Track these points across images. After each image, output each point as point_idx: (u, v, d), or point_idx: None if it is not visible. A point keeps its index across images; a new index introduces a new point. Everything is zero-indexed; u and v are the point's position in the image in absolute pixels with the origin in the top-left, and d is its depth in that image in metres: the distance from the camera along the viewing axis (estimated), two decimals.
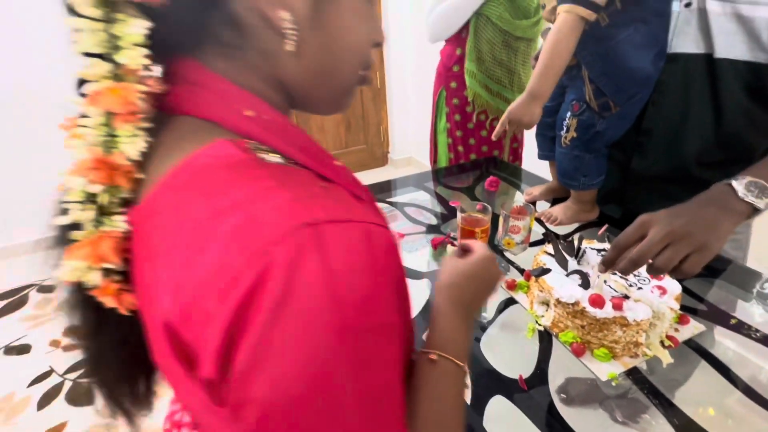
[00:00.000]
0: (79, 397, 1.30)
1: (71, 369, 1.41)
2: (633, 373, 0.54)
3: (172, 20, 0.25)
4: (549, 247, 0.69)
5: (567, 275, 0.62)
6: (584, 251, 0.65)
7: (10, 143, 1.94)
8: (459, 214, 0.75)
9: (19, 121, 1.92)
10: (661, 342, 0.58)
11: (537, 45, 1.25)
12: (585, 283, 0.59)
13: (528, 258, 0.76)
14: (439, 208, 1.01)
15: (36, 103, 1.88)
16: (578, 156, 0.82)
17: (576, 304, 0.57)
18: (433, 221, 0.95)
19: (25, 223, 2.09)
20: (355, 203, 0.27)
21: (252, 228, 0.21)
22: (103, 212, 0.26)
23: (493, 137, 0.82)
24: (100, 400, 0.33)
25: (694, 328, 0.60)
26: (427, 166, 1.54)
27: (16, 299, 1.79)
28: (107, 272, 0.27)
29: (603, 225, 0.68)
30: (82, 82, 0.26)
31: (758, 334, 0.59)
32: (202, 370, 0.22)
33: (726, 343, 0.59)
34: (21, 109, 1.91)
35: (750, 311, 0.65)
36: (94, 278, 0.26)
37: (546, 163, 1.00)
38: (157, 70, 0.29)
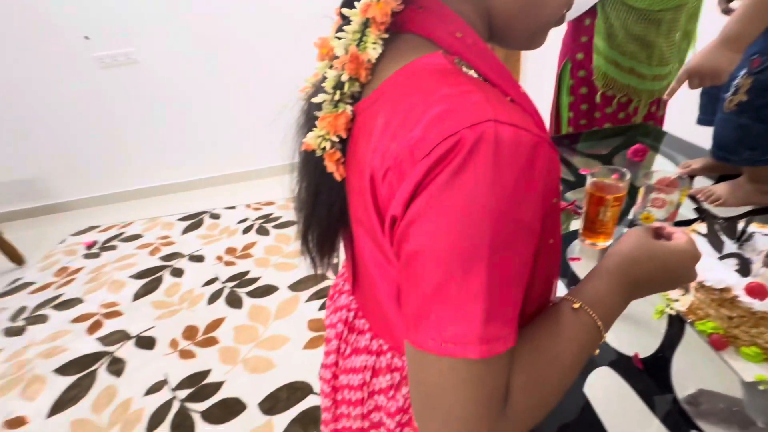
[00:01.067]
0: (233, 302, 1.66)
1: (231, 279, 1.80)
2: None
3: None
4: (701, 227, 0.59)
5: (720, 258, 0.53)
6: (750, 234, 0.54)
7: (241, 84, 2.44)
8: (589, 179, 0.69)
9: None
10: None
11: (686, 13, 1.00)
12: (744, 269, 0.50)
13: None
14: (566, 176, 0.94)
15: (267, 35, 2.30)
16: (745, 125, 0.67)
17: (726, 290, 0.49)
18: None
19: (198, 162, 2.65)
20: (532, 122, 0.29)
21: (451, 115, 0.27)
22: (341, 99, 0.35)
23: (665, 96, 0.71)
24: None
25: None
26: None
27: (194, 221, 2.31)
28: (333, 144, 0.35)
29: None
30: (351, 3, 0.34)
31: None
32: (391, 209, 0.29)
33: None
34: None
35: None
36: (327, 145, 0.35)
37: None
38: None
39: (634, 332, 0.55)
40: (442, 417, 0.27)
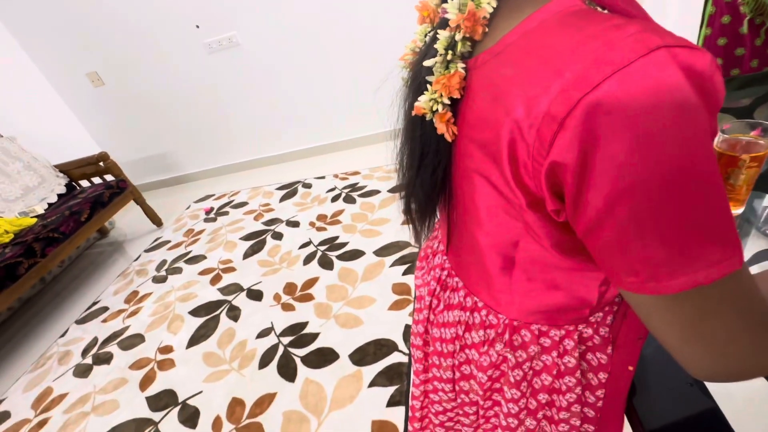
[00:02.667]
0: (325, 264, 1.82)
1: (322, 243, 1.96)
2: None
3: None
4: None
5: None
6: None
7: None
8: (720, 134, 0.58)
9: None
10: None
11: None
12: None
13: None
14: None
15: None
16: None
17: None
18: None
19: (282, 138, 2.86)
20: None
21: (614, 49, 0.24)
22: (452, 60, 0.34)
23: None
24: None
25: None
26: None
27: (290, 190, 2.54)
28: (444, 105, 0.35)
29: None
30: None
31: None
32: (552, 155, 0.26)
33: None
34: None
35: None
36: (438, 107, 0.35)
37: None
38: None
39: None
40: (726, 337, 0.27)
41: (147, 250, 2.38)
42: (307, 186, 2.54)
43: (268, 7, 2.37)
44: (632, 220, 0.25)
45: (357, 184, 2.39)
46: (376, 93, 2.49)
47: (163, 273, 2.11)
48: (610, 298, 0.40)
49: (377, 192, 2.25)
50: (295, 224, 2.19)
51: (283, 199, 2.48)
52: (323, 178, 2.57)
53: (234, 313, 1.70)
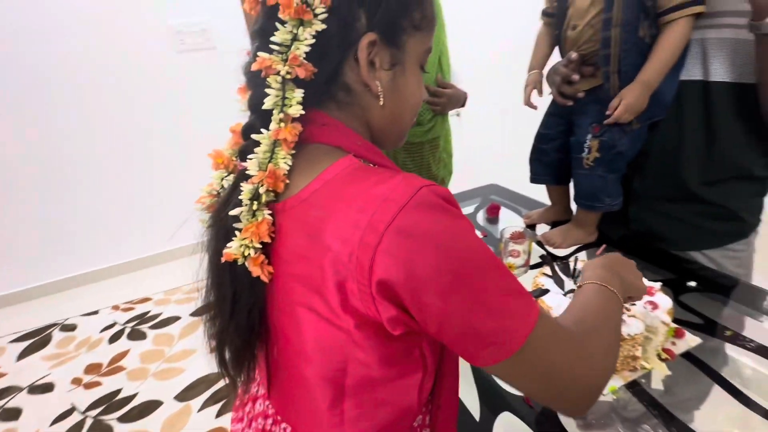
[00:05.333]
0: None
1: (93, 405, 1.44)
2: (633, 386, 0.57)
3: (313, 89, 0.39)
4: (547, 269, 0.73)
5: (564, 294, 0.66)
6: (580, 271, 0.70)
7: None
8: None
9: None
10: (658, 355, 0.61)
11: (442, 141, 1.25)
12: None
13: (529, 280, 0.80)
14: None
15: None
16: (602, 177, 0.85)
17: None
18: None
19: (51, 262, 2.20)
20: None
21: (395, 190, 0.33)
22: (259, 206, 0.38)
23: (610, 118, 0.79)
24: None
25: (690, 341, 0.63)
26: None
27: (37, 340, 1.85)
28: (256, 249, 0.38)
29: (600, 246, 0.73)
30: (248, 131, 0.39)
31: (753, 345, 0.62)
32: (377, 274, 0.32)
33: (722, 355, 0.62)
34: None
35: (758, 327, 0.67)
36: (250, 252, 0.37)
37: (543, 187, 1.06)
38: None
39: None
40: (569, 373, 0.36)
41: None
42: (69, 328, 1.92)
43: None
44: (465, 305, 0.32)
45: (147, 313, 1.97)
46: (171, 237, 2.27)
47: None
48: (425, 398, 0.44)
49: (176, 319, 1.90)
50: (46, 388, 1.56)
51: (23, 355, 1.77)
52: (95, 313, 2.01)
53: None
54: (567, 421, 0.54)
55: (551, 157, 0.97)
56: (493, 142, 2.61)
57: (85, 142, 2.12)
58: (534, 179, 1.04)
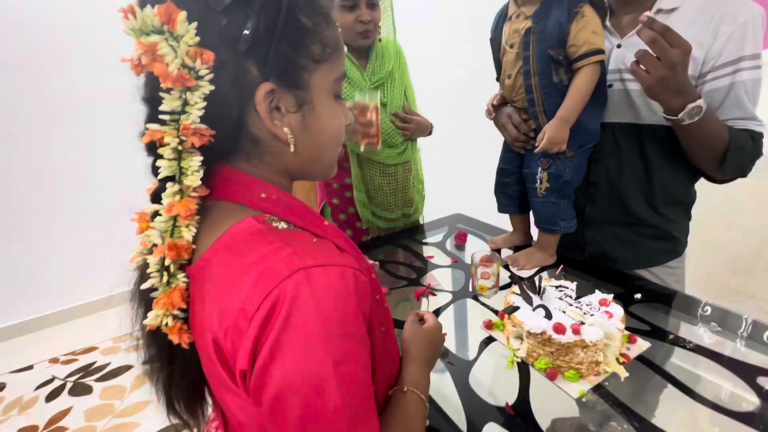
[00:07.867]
0: None
1: None
2: (598, 389, 0.64)
3: (215, 147, 0.38)
4: (516, 288, 0.80)
5: (533, 310, 0.73)
6: (545, 288, 0.77)
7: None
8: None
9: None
10: (617, 359, 0.68)
11: (413, 164, 1.32)
12: (548, 315, 0.70)
13: (500, 300, 0.87)
14: (416, 263, 1.12)
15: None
16: (555, 203, 0.97)
17: (543, 333, 0.67)
18: (413, 275, 1.04)
19: None
20: (337, 252, 0.38)
21: (268, 274, 0.33)
22: (171, 276, 0.38)
23: (537, 149, 0.90)
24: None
25: (641, 345, 0.72)
26: None
27: None
28: (174, 317, 0.38)
29: (559, 266, 0.81)
30: (158, 196, 0.37)
31: (692, 345, 0.72)
32: (238, 364, 0.33)
33: (668, 355, 0.70)
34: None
35: (694, 330, 0.77)
36: (168, 320, 0.38)
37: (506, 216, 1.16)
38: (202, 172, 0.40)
39: (502, 385, 0.67)
40: None
41: None
42: None
43: None
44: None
45: (93, 364, 1.79)
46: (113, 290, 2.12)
47: None
48: None
49: (128, 368, 1.75)
50: None
51: None
52: (30, 368, 1.80)
53: None
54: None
55: (513, 189, 1.09)
56: (455, 173, 2.76)
57: (22, 182, 1.98)
58: (501, 209, 1.15)
